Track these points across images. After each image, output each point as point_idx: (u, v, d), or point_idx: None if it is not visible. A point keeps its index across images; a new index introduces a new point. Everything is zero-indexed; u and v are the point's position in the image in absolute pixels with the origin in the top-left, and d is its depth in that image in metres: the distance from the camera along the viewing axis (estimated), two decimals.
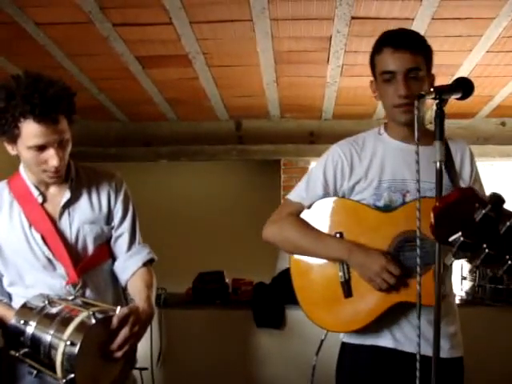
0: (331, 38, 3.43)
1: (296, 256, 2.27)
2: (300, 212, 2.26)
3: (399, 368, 2.10)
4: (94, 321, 1.85)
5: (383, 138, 2.24)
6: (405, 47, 2.08)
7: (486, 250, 1.33)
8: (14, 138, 1.98)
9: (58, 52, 3.66)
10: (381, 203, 2.14)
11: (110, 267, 2.30)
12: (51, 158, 1.99)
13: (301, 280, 2.26)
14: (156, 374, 4.48)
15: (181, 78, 4.25)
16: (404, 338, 2.11)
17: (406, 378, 2.00)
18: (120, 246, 2.29)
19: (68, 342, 1.81)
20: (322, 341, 2.30)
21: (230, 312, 4.55)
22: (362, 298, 2.11)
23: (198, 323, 4.56)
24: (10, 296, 2.19)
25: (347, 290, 2.14)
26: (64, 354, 1.82)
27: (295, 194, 2.30)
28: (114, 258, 2.31)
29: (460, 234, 1.34)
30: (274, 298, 4.31)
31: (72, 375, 1.80)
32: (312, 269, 2.23)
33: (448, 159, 2.07)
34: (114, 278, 2.30)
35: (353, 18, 3.15)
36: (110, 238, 2.29)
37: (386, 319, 2.11)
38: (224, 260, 4.95)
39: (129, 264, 2.27)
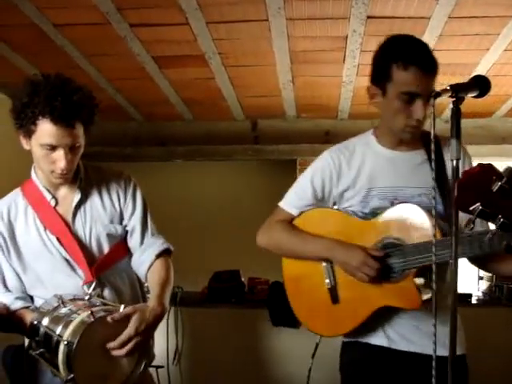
0: (347, 37, 3.43)
1: (287, 265, 2.34)
2: (289, 219, 2.32)
3: (393, 366, 2.15)
4: (92, 319, 1.87)
5: (373, 145, 2.24)
6: (432, 71, 2.02)
7: (501, 220, 1.49)
8: (29, 133, 2.04)
9: (76, 52, 3.69)
10: (367, 210, 2.18)
11: (127, 265, 2.31)
12: (59, 159, 2.04)
13: (293, 289, 2.34)
14: (172, 372, 4.50)
15: (197, 78, 4.27)
16: (398, 336, 2.15)
17: (400, 376, 2.10)
18: (134, 240, 2.31)
19: (65, 342, 1.85)
20: (317, 344, 2.36)
21: (245, 311, 4.55)
22: (349, 304, 2.18)
23: (213, 322, 4.58)
24: (32, 299, 2.22)
25: (334, 296, 2.21)
26: (64, 353, 1.86)
27: (285, 202, 2.36)
28: (131, 255, 2.33)
29: (479, 203, 1.49)
30: None
31: (72, 375, 1.84)
32: (302, 277, 2.31)
33: (436, 158, 2.07)
34: (130, 275, 2.32)
35: (368, 17, 3.15)
36: (126, 235, 2.32)
37: (380, 318, 2.15)
38: (240, 259, 4.96)
39: (143, 258, 2.28)
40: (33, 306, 2.19)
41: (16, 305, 2.15)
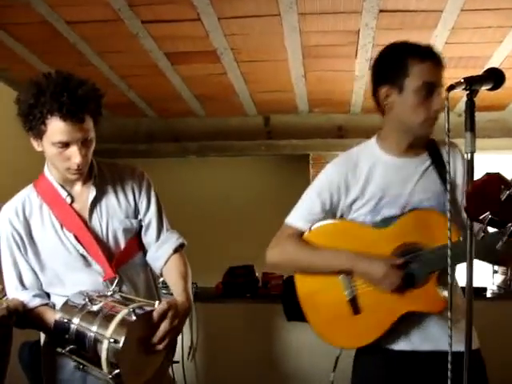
0: (359, 31, 3.43)
1: (301, 281, 2.34)
2: (299, 234, 2.30)
3: (417, 368, 2.15)
4: (134, 317, 1.90)
5: (378, 154, 2.26)
6: (442, 65, 2.11)
7: (511, 228, 1.52)
8: (40, 134, 2.04)
9: (88, 50, 3.71)
10: (378, 219, 2.20)
11: (141, 260, 2.33)
12: (74, 155, 2.04)
13: (309, 304, 2.32)
14: (187, 367, 4.52)
15: (209, 74, 4.27)
16: (419, 338, 2.16)
17: (422, 376, 2.12)
18: (150, 235, 2.32)
19: (111, 340, 1.87)
20: (338, 357, 2.34)
21: (260, 306, 4.57)
22: (371, 313, 2.18)
23: (228, 317, 4.59)
24: (48, 295, 2.23)
25: (355, 307, 2.21)
26: (108, 350, 1.88)
27: (293, 218, 2.34)
28: (144, 250, 2.34)
29: (488, 212, 1.51)
30: None
31: (117, 370, 1.86)
32: (318, 292, 2.29)
33: (438, 163, 2.17)
34: (144, 270, 2.34)
35: (381, 10, 3.14)
36: (140, 230, 2.33)
37: (402, 323, 2.15)
38: (254, 254, 4.96)
39: (160, 253, 2.30)
40: (50, 302, 2.20)
41: (34, 302, 2.16)
